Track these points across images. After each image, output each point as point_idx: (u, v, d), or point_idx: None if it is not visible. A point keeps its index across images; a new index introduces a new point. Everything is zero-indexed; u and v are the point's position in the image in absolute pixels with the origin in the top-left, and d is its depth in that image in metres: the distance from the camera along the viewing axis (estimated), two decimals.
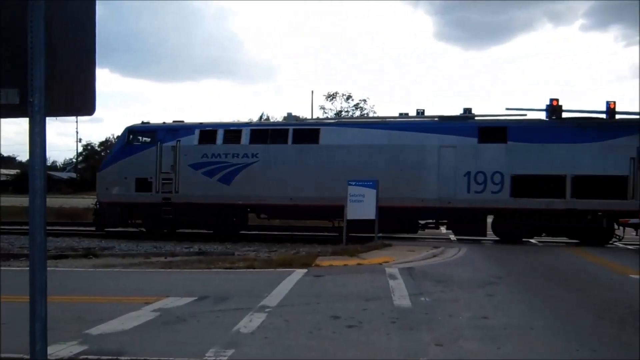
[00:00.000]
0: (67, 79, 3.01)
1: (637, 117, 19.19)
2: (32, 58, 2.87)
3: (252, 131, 20.95)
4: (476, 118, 19.88)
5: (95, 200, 22.31)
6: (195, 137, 21.01)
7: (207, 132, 21.13)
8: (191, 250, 17.34)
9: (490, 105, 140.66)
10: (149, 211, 20.89)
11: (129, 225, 22.00)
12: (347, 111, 46.73)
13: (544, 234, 19.98)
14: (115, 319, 8.16)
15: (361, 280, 11.81)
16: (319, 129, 20.36)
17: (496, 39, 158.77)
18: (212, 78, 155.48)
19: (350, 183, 17.89)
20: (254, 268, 13.36)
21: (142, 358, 6.15)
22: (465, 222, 19.40)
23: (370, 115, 44.98)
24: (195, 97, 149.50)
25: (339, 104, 47.37)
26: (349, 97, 46.88)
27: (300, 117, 23.42)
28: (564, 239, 20.20)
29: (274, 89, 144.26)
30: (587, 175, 18.07)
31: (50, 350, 3.01)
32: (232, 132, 21.01)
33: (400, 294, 10.04)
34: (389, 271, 12.67)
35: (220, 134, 20.93)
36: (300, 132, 20.46)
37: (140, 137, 21.75)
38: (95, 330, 7.54)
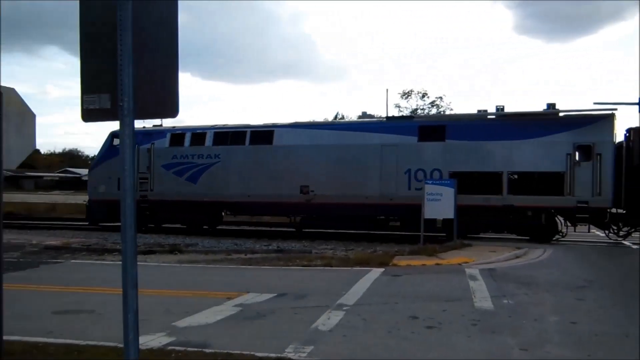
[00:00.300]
0: (152, 83, 3.17)
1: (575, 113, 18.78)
2: (121, 66, 3.05)
3: (215, 134, 22.03)
4: (416, 119, 20.61)
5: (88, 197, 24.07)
6: (166, 140, 22.64)
7: (177, 135, 22.64)
8: (270, 247, 17.73)
9: (577, 99, 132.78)
10: (151, 207, 22.43)
11: (116, 221, 22.73)
12: (422, 109, 45.97)
13: (490, 231, 19.79)
14: (199, 312, 8.50)
15: (440, 281, 11.57)
16: (273, 130, 21.24)
17: (581, 30, 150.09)
18: (287, 79, 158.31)
19: (428, 182, 17.50)
20: (331, 266, 13.44)
21: (226, 351, 6.36)
22: (408, 218, 19.50)
23: (447, 112, 43.99)
24: (271, 97, 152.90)
25: (414, 102, 46.74)
26: (424, 95, 46.11)
27: (375, 115, 23.26)
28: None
29: (348, 88, 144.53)
30: (523, 172, 18.21)
31: (141, 340, 3.19)
32: (198, 134, 22.36)
33: (482, 296, 9.73)
34: (469, 272, 12.32)
35: (187, 137, 22.41)
36: (256, 134, 21.46)
37: (114, 141, 22.91)
38: (182, 323, 7.89)
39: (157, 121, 23.05)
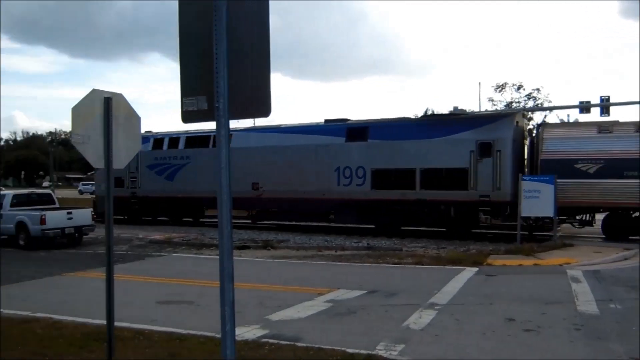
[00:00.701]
0: (246, 84, 3.28)
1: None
2: (217, 69, 3.19)
3: (187, 138, 24.69)
4: (348, 121, 22.09)
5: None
6: (150, 144, 25.34)
7: (158, 140, 25.62)
8: (360, 244, 17.76)
9: None
10: (123, 203, 24.82)
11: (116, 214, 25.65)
12: (518, 102, 43.82)
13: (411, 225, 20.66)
14: (292, 307, 8.70)
15: (539, 282, 11.00)
16: (231, 134, 20.76)
17: None
18: (375, 75, 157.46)
19: (525, 178, 16.82)
20: (422, 264, 13.22)
21: (317, 346, 6.46)
22: (340, 212, 21.18)
23: (545, 105, 41.65)
24: (359, 94, 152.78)
25: (508, 95, 44.65)
26: (519, 87, 43.91)
27: (467, 110, 22.61)
28: None
29: (438, 83, 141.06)
30: (433, 168, 19.13)
31: (237, 331, 3.32)
32: (174, 139, 25.14)
33: (585, 299, 9.14)
34: (570, 273, 11.61)
35: (165, 141, 25.28)
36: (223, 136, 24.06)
37: None
38: (275, 317, 8.12)
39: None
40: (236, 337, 3.38)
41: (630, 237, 17.18)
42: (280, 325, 7.66)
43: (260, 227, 23.47)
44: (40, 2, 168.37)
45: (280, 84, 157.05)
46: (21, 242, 17.64)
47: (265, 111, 3.26)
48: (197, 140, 24.47)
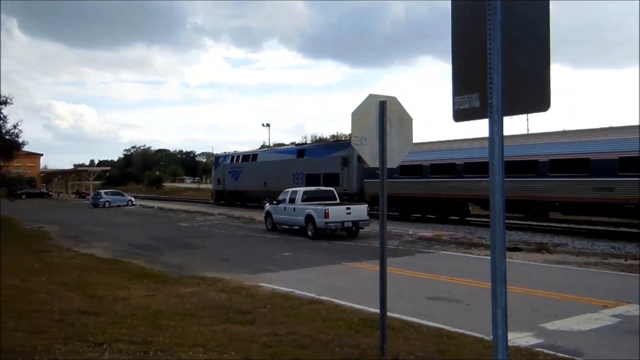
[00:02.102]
0: (522, 79, 3.11)
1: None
2: (490, 64, 3.10)
3: (242, 156, 44.03)
4: (299, 146, 41.30)
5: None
6: (228, 159, 45.56)
7: (231, 157, 45.49)
8: None
9: None
10: (225, 194, 45.17)
11: (220, 200, 46.35)
12: None
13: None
14: (570, 317, 7.94)
15: None
16: (257, 154, 43.36)
17: None
18: None
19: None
20: None
21: None
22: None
23: None
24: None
25: None
26: None
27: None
28: None
29: None
30: (327, 173, 32.27)
31: (508, 336, 3.17)
32: (237, 157, 44.47)
33: None
34: None
35: (235, 158, 44.65)
36: (253, 156, 42.70)
37: (217, 160, 49.17)
38: (551, 326, 7.53)
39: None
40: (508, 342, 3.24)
41: None
42: (556, 335, 7.07)
43: (533, 228, 22.05)
44: (327, 21, 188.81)
45: (558, 75, 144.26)
46: (309, 233, 20.15)
47: (544, 105, 3.04)
48: (245, 157, 43.38)
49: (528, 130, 40.39)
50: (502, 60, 3.05)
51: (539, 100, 3.05)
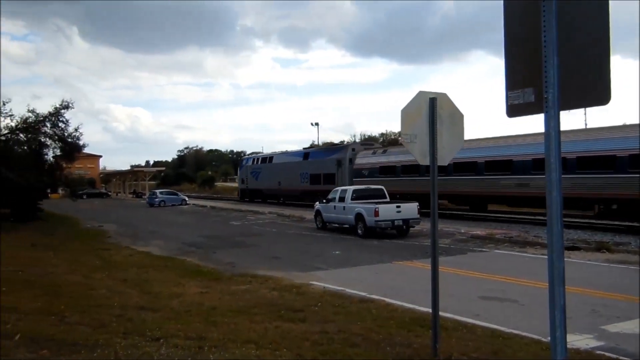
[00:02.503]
0: (579, 72, 2.99)
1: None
2: (546, 57, 3.00)
3: (260, 158, 51.05)
4: (305, 149, 49.56)
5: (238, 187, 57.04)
6: (250, 160, 53.43)
7: (252, 159, 53.32)
8: None
9: None
10: (248, 192, 51.69)
11: (244, 198, 52.60)
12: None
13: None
14: (633, 319, 7.59)
15: None
16: (273, 156, 49.12)
17: None
18: None
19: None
20: None
21: None
22: (302, 198, 41.55)
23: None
24: None
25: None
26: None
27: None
28: None
29: None
30: (325, 173, 38.48)
31: (567, 338, 3.06)
32: (258, 159, 51.65)
33: None
34: None
35: (255, 160, 51.86)
36: (269, 158, 48.88)
37: (242, 162, 58.86)
38: (612, 328, 7.23)
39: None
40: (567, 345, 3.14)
41: None
42: (619, 338, 6.78)
43: (594, 227, 21.20)
44: (375, 19, 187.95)
45: (618, 68, 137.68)
46: (359, 232, 20.11)
47: (603, 98, 2.91)
48: (263, 159, 49.68)
49: (586, 125, 38.89)
50: (558, 53, 2.95)
51: (598, 93, 2.93)
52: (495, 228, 21.27)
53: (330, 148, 44.06)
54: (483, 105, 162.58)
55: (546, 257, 3.00)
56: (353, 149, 37.28)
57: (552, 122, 2.95)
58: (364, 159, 34.85)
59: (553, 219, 2.93)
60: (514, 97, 3.27)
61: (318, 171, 39.34)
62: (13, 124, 28.40)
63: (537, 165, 21.79)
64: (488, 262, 13.96)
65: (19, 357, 5.18)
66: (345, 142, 57.53)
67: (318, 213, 23.72)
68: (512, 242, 17.38)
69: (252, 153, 74.00)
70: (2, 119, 28.20)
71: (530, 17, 3.13)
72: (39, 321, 6.91)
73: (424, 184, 25.76)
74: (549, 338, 2.99)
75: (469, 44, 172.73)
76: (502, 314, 8.30)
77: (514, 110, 3.30)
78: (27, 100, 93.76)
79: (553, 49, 2.95)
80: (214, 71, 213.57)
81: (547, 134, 2.98)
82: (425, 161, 5.66)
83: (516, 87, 3.25)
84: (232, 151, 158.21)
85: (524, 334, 6.88)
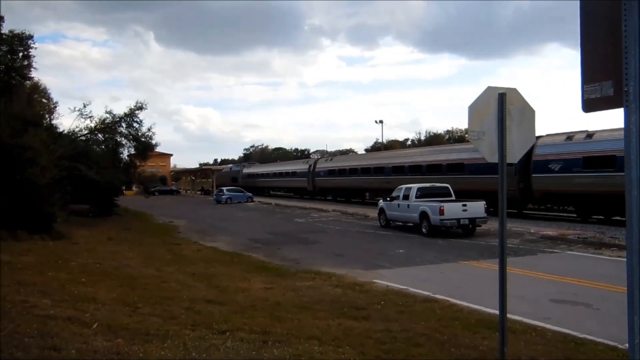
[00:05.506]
0: None
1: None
2: (626, 47, 2.83)
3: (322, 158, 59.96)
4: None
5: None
6: (323, 160, 55.47)
7: (320, 160, 55.83)
8: None
9: None
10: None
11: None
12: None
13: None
14: None
15: None
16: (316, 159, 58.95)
17: None
18: None
19: None
20: None
21: None
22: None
23: None
24: None
25: None
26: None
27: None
28: None
29: None
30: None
31: None
32: (324, 158, 59.73)
33: None
34: None
35: (325, 161, 54.67)
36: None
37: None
38: None
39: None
40: None
41: None
42: None
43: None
44: (445, 13, 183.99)
45: None
46: (424, 230, 19.81)
47: None
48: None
49: None
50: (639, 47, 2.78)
51: None
52: (568, 228, 20.35)
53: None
54: (559, 99, 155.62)
55: (624, 259, 2.84)
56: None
57: (633, 117, 2.78)
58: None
59: (633, 219, 2.76)
60: (590, 90, 3.11)
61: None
62: (92, 125, 30.09)
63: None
64: (559, 263, 13.38)
65: (96, 345, 5.47)
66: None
67: (382, 211, 23.56)
68: (586, 244, 16.56)
69: (316, 151, 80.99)
70: (83, 120, 30.01)
71: (610, 4, 2.97)
72: (114, 311, 7.27)
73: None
74: (627, 345, 2.83)
75: (543, 36, 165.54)
76: (575, 318, 7.93)
77: (590, 105, 3.13)
78: (106, 102, 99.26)
79: (635, 39, 2.78)
80: (281, 70, 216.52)
81: (627, 129, 2.81)
82: (493, 159, 5.48)
83: (593, 80, 3.09)
84: (296, 149, 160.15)
85: (598, 339, 6.55)
